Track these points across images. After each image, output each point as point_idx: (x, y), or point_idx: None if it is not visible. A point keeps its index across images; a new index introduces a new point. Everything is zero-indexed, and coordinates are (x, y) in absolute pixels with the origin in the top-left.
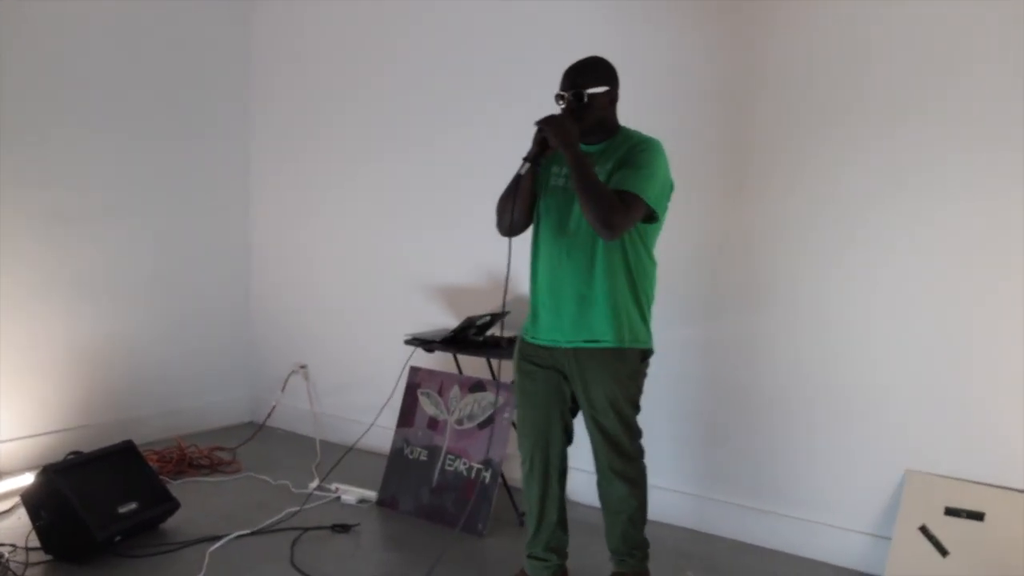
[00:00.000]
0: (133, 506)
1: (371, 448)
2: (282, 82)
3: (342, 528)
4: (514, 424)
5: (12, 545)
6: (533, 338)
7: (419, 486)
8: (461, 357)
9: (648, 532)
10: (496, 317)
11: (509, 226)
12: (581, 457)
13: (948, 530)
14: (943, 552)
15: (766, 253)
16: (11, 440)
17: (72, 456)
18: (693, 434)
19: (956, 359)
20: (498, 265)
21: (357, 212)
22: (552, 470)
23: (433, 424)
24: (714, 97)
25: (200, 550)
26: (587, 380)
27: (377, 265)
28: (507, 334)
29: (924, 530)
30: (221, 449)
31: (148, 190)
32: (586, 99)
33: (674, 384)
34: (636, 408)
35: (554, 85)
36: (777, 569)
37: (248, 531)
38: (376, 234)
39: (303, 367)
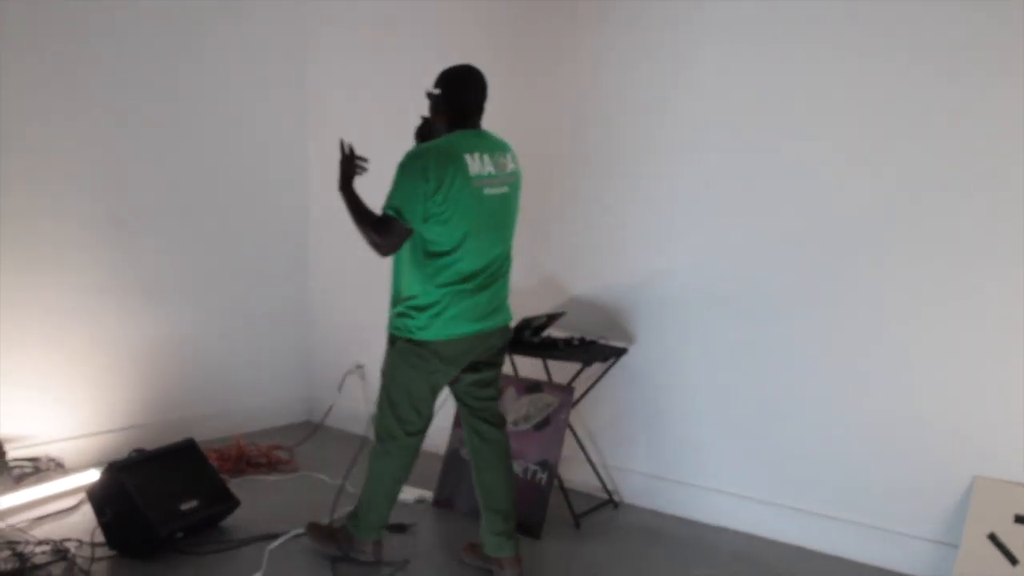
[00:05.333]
0: (194, 503)
1: (427, 448)
2: (340, 83)
3: (399, 528)
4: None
5: (78, 540)
6: None
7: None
8: (517, 358)
9: (705, 536)
10: (552, 318)
11: None
12: (638, 457)
13: (1018, 538)
14: (1013, 560)
15: (828, 255)
16: (76, 437)
17: (136, 453)
18: (753, 437)
19: None
20: (554, 266)
21: None
22: None
23: None
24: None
25: (259, 548)
26: None
27: None
28: (564, 335)
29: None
30: (279, 448)
31: (207, 194)
32: (427, 97)
33: (734, 387)
34: (388, 394)
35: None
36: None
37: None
38: None
39: (360, 367)
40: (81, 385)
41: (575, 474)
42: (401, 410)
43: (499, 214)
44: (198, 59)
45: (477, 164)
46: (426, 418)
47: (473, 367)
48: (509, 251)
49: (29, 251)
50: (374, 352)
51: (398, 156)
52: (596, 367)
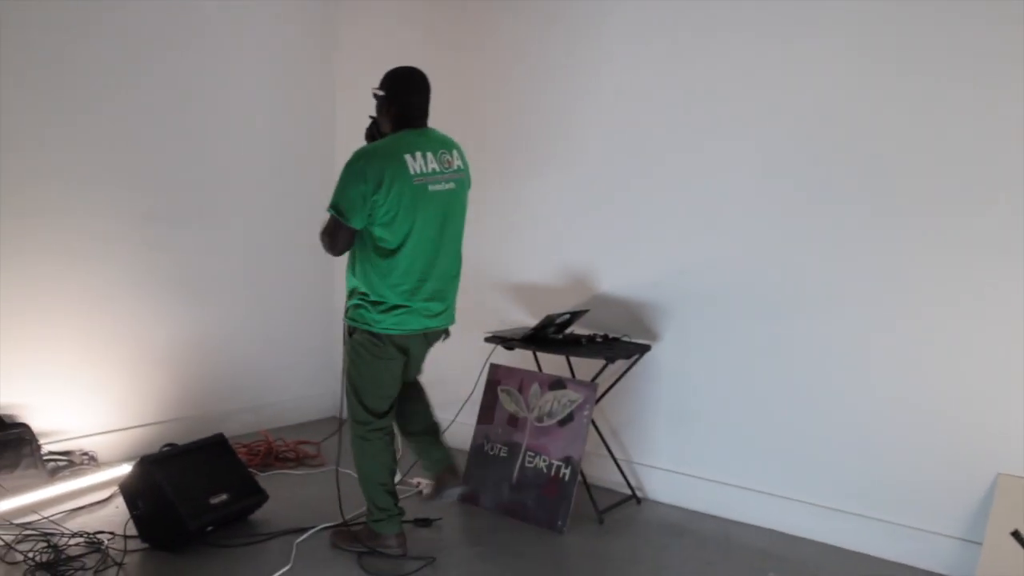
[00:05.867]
0: (224, 497)
1: (452, 444)
2: (369, 82)
3: (424, 522)
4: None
5: (111, 533)
6: None
7: (499, 482)
8: (541, 355)
9: (728, 532)
10: (576, 315)
11: None
12: (661, 454)
13: None
14: None
15: (853, 252)
16: (109, 432)
17: (167, 448)
18: (777, 434)
19: None
20: (577, 263)
21: None
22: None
23: (513, 421)
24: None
25: (288, 541)
26: None
27: None
28: (587, 332)
29: (1016, 535)
30: (307, 443)
31: (238, 193)
32: (374, 97)
33: (757, 384)
34: (352, 383)
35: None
36: (864, 572)
37: (333, 523)
38: None
39: None
40: (114, 381)
41: (598, 470)
42: (368, 398)
43: (444, 210)
44: (230, 58)
45: (419, 163)
46: (392, 400)
47: (416, 361)
48: (459, 248)
49: (64, 246)
50: None
51: None
52: (619, 364)
